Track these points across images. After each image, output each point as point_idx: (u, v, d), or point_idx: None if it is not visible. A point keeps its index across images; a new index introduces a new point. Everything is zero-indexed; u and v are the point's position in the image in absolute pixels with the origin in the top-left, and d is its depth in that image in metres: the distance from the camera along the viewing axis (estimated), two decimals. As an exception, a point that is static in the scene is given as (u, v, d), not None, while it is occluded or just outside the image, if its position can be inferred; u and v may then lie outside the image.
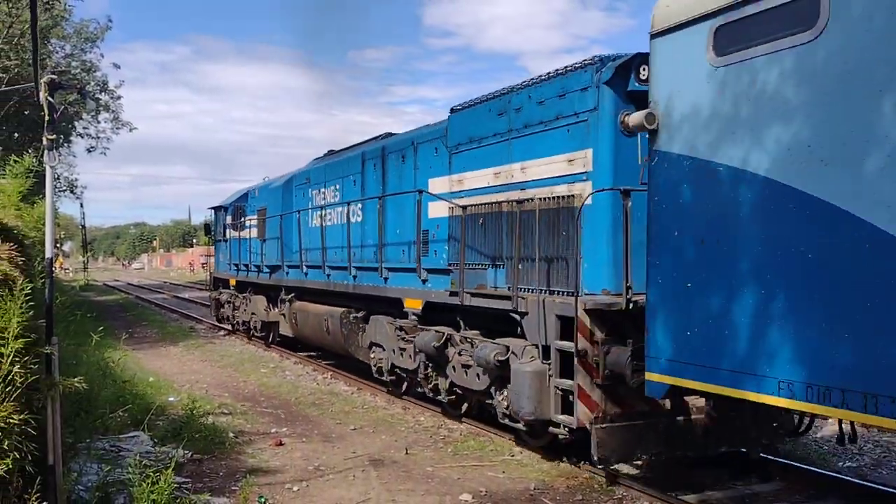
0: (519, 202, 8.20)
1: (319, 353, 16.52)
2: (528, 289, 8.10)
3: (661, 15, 6.06)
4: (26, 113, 27.63)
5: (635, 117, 6.20)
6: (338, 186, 13.92)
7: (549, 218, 7.97)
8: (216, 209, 22.84)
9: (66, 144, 34.32)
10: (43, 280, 5.72)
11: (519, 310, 8.04)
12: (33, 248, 6.55)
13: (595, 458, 7.01)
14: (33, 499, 4.61)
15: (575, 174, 7.72)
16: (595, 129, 7.41)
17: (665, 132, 5.99)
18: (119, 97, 34.43)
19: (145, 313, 29.82)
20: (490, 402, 8.86)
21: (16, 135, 29.46)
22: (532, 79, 8.55)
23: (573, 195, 7.66)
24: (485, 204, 9.14)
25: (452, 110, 10.09)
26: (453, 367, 9.52)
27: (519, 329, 8.13)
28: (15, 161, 6.98)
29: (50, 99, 5.68)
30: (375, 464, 8.31)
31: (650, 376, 6.16)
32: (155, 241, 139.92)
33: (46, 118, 5.76)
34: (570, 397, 7.27)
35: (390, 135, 13.01)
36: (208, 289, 24.79)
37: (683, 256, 5.83)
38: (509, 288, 8.29)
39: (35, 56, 7.04)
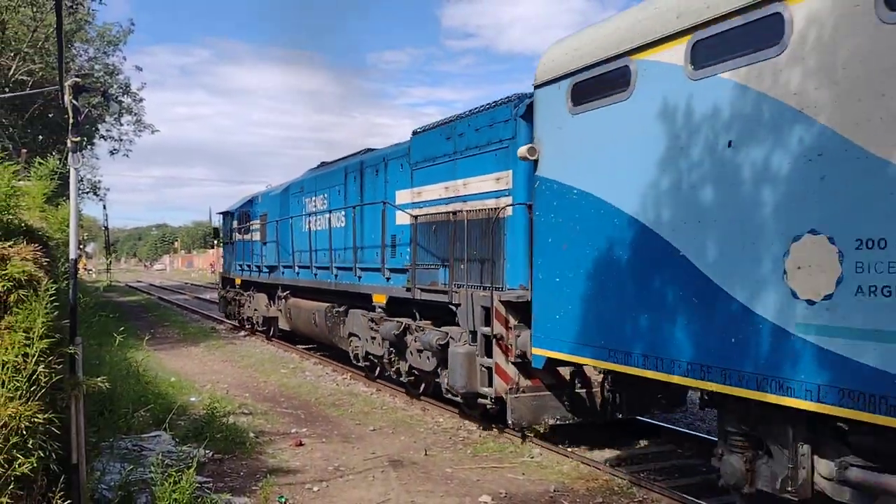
0: (454, 213, 10.00)
1: (315, 346, 17.94)
2: (465, 285, 9.71)
3: (540, 71, 7.82)
4: (50, 116, 28.00)
5: (522, 150, 7.95)
6: (326, 195, 15.57)
7: (481, 226, 9.52)
8: (224, 214, 24.52)
9: (89, 147, 34.74)
10: (67, 281, 5.78)
11: (454, 302, 9.76)
12: (57, 249, 6.62)
13: (510, 422, 8.70)
14: (57, 497, 4.66)
15: (500, 190, 9.29)
16: (513, 154, 8.73)
17: (542, 162, 7.78)
18: (141, 100, 34.85)
19: (167, 314, 30.08)
20: (438, 380, 10.45)
21: (40, 137, 29.85)
22: (472, 110, 10.23)
23: (498, 207, 9.21)
24: (436, 213, 10.72)
25: (414, 133, 11.66)
26: (410, 351, 11.19)
27: (456, 318, 9.71)
28: (40, 163, 7.05)
29: (74, 102, 5.74)
30: (395, 464, 8.32)
31: (535, 350, 8.02)
32: (176, 243, 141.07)
33: (71, 121, 5.82)
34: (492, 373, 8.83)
35: (369, 150, 14.55)
36: (217, 287, 26.84)
37: (553, 258, 7.62)
38: (435, 283, 10.27)
39: (60, 59, 7.13)
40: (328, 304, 14.68)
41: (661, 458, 8.60)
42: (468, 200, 9.97)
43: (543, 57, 7.92)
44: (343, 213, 14.29)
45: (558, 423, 8.91)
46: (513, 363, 8.73)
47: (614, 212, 6.73)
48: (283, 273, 17.94)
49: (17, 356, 4.53)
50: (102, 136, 35.58)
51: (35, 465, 4.42)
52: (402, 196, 11.85)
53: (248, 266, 21.03)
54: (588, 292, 7.07)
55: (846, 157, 4.77)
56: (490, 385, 8.89)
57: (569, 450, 8.80)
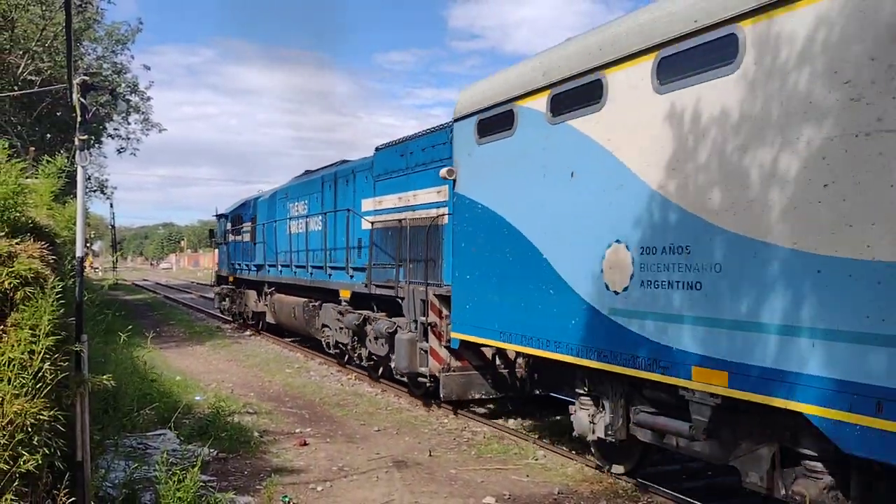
0: (400, 220, 11.97)
1: (297, 338, 19.37)
2: (412, 281, 11.35)
3: (457, 108, 9.52)
4: (58, 114, 28.08)
5: (443, 171, 9.59)
6: (306, 202, 17.35)
7: (425, 232, 11.13)
8: (219, 216, 26.19)
9: (96, 145, 34.84)
10: (73, 278, 5.79)
11: (399, 296, 11.58)
12: (64, 246, 6.63)
13: (441, 395, 10.32)
14: (62, 494, 4.67)
15: (440, 202, 11.05)
16: None
17: (458, 181, 9.40)
18: (149, 98, 34.91)
19: (173, 312, 30.14)
20: (391, 364, 11.94)
21: (48, 136, 29.95)
22: (419, 132, 12.17)
23: (437, 216, 10.98)
24: (391, 220, 12.50)
25: (377, 149, 13.51)
26: (369, 339, 12.98)
27: (403, 310, 11.47)
28: (48, 161, 7.07)
29: (82, 100, 5.74)
30: (399, 465, 8.31)
31: (452, 334, 9.69)
32: (182, 242, 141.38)
33: (78, 119, 5.83)
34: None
35: (344, 162, 16.29)
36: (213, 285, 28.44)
37: (465, 259, 9.25)
38: (390, 280, 12.11)
39: (69, 57, 7.15)
40: (305, 299, 16.49)
41: (666, 462, 8.57)
42: (417, 210, 11.84)
43: (460, 96, 9.59)
44: (319, 217, 16.10)
45: (483, 397, 10.61)
46: (445, 347, 10.34)
47: (504, 223, 8.39)
48: (269, 271, 19.57)
49: (23, 353, 4.54)
50: (110, 135, 35.66)
51: (40, 462, 4.42)
52: (367, 204, 13.76)
53: (240, 265, 22.76)
54: (487, 286, 8.74)
55: (634, 186, 6.43)
56: (427, 366, 10.57)
57: (573, 452, 8.78)
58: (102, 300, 6.99)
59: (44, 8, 24.14)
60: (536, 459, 8.64)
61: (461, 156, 9.38)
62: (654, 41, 6.21)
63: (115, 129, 35.72)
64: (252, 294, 21.63)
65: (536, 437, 9.54)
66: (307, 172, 18.73)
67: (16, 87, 23.92)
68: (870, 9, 4.60)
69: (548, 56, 7.85)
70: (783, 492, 5.50)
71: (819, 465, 5.27)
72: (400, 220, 11.99)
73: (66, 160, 7.15)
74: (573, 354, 7.19)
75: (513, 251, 8.19)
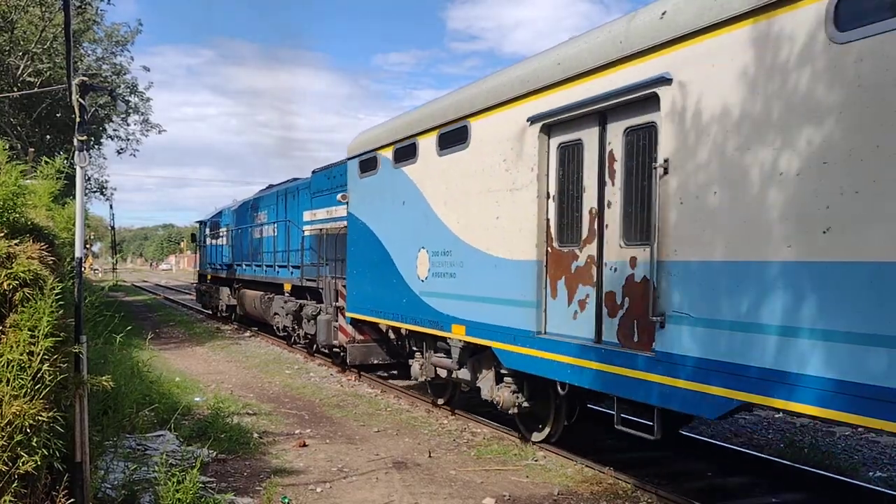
0: (323, 230, 16.03)
1: (258, 326, 22.87)
2: (330, 276, 15.07)
3: (349, 148, 13.14)
4: (58, 115, 28.08)
5: (339, 196, 13.85)
6: (266, 212, 21.46)
7: (337, 238, 14.96)
8: (200, 223, 31.00)
9: (96, 146, 34.83)
10: (72, 280, 5.79)
11: (320, 287, 15.43)
12: (63, 247, 6.62)
13: (348, 361, 13.88)
14: (61, 495, 4.67)
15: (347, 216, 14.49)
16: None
17: (349, 203, 12.99)
18: (149, 100, 34.91)
19: (172, 314, 30.12)
20: (318, 341, 15.40)
21: (48, 137, 29.95)
22: (336, 162, 15.71)
23: (346, 227, 13.73)
24: (319, 229, 16.41)
25: (313, 171, 17.35)
26: (304, 322, 16.55)
27: (323, 298, 15.33)
28: (46, 162, 7.06)
29: (81, 101, 5.74)
30: (398, 466, 8.31)
31: (347, 314, 13.27)
32: (182, 243, 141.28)
33: (77, 120, 5.82)
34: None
35: (295, 179, 20.14)
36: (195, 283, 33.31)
37: (354, 260, 12.78)
38: (318, 276, 15.92)
39: (68, 57, 7.13)
40: (262, 293, 20.57)
41: (666, 463, 8.57)
42: (336, 221, 15.19)
43: (351, 142, 13.18)
44: (272, 225, 20.39)
45: (380, 363, 14.02)
46: (350, 324, 13.63)
47: (373, 234, 11.99)
48: (237, 270, 23.44)
49: (22, 354, 4.54)
50: (110, 136, 35.66)
51: (39, 463, 4.42)
52: (306, 215, 17.47)
53: (215, 265, 26.84)
54: (365, 279, 12.33)
55: (430, 212, 10.12)
56: (338, 339, 14.27)
57: (573, 453, 8.77)
58: (102, 301, 6.97)
59: (43, 9, 24.14)
60: (536, 460, 8.63)
61: (351, 185, 13.05)
62: (437, 123, 10.01)
63: (115, 130, 35.73)
64: (225, 290, 25.41)
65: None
66: (270, 186, 22.67)
67: (15, 89, 23.91)
68: (503, 122, 8.62)
69: (393, 123, 11.65)
70: (496, 399, 9.01)
71: (511, 379, 8.83)
72: (323, 230, 15.97)
73: (65, 161, 7.14)
74: (406, 322, 10.89)
75: (377, 254, 11.80)
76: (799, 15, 5.09)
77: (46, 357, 4.62)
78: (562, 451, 8.84)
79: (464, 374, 9.67)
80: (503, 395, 8.81)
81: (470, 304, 9.07)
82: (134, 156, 36.74)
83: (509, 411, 8.91)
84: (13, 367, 4.51)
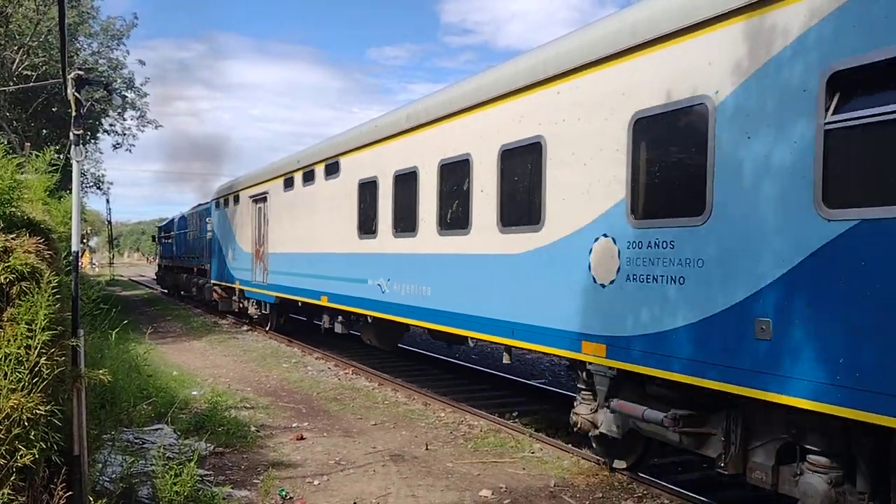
0: (209, 236, 26.68)
1: (184, 291, 34.04)
2: (210, 262, 26.56)
3: (215, 192, 25.94)
4: (54, 110, 28.01)
5: (208, 219, 26.95)
6: (191, 223, 31.91)
7: (211, 242, 26.33)
8: (158, 228, 44.73)
9: (92, 141, 34.75)
10: (69, 273, 5.79)
11: (205, 266, 27.35)
12: (60, 241, 6.62)
13: (219, 308, 24.38)
14: (59, 488, 4.68)
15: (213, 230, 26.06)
16: (210, 217, 27.14)
17: (212, 226, 25.61)
18: (145, 94, 34.82)
19: (169, 308, 30.13)
20: (205, 298, 26.84)
21: (44, 131, 29.88)
22: (209, 200, 27.14)
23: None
24: (210, 236, 26.38)
25: (213, 199, 25.85)
26: (201, 288, 28.10)
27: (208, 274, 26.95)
28: (36, 156, 7.04)
29: (77, 94, 5.74)
30: (396, 459, 8.34)
31: (213, 281, 25.28)
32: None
33: (73, 113, 5.82)
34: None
35: (207, 202, 28.72)
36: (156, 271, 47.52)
37: (214, 252, 25.06)
38: (208, 263, 27.53)
39: (63, 51, 7.12)
40: (187, 273, 31.98)
41: (662, 454, 8.60)
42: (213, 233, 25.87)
43: (216, 188, 25.46)
44: (193, 232, 31.12)
45: (235, 311, 22.95)
46: (218, 290, 24.20)
47: (218, 241, 23.96)
48: (176, 260, 36.06)
49: (19, 348, 4.55)
50: (106, 131, 35.57)
51: (37, 456, 4.44)
52: (209, 226, 26.42)
53: (167, 257, 39.79)
54: (218, 261, 23.84)
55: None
56: (213, 297, 24.67)
57: (569, 445, 8.82)
58: (99, 295, 6.98)
59: (38, 2, 24.06)
60: (533, 453, 8.67)
61: (213, 215, 24.70)
62: (267, 176, 18.93)
63: (112, 125, 35.64)
64: (171, 273, 37.80)
65: (533, 430, 9.57)
66: (199, 205, 31.47)
67: (11, 83, 23.84)
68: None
69: (245, 177, 21.04)
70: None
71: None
72: (209, 236, 26.18)
73: (55, 154, 7.11)
74: (232, 283, 21.91)
75: (219, 250, 23.15)
76: None
77: (44, 351, 4.63)
78: (558, 443, 8.88)
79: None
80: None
81: (242, 273, 21.01)
82: (129, 151, 36.38)
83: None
84: (10, 360, 4.51)
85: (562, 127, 7.60)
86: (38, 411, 4.44)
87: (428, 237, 10.37)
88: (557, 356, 8.41)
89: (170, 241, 38.01)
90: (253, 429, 9.46)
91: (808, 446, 5.33)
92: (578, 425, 7.70)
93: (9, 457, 4.35)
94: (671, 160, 6.47)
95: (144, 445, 7.99)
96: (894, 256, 4.51)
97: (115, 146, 36.83)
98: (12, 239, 5.00)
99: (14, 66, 24.44)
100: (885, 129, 4.62)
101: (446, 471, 7.93)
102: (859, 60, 4.76)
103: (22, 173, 6.10)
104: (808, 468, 5.32)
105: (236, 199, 21.71)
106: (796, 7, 5.17)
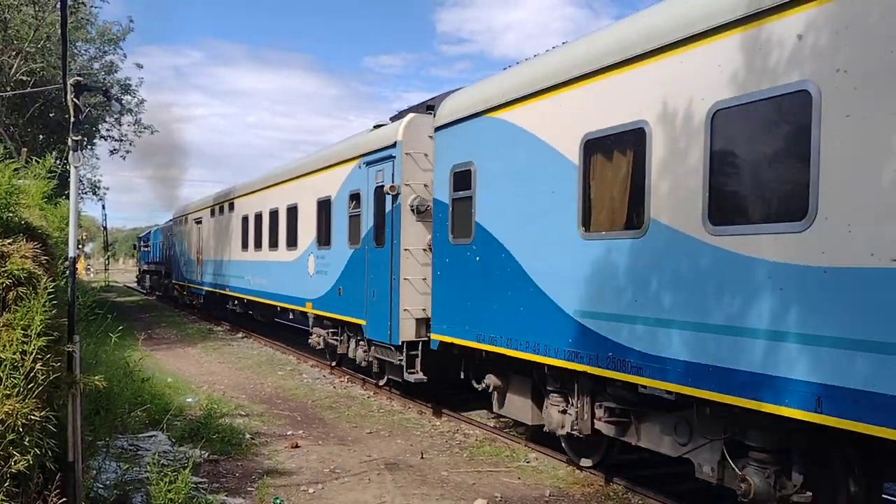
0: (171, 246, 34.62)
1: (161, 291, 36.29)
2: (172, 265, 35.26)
3: (174, 213, 34.53)
4: (51, 115, 27.97)
5: (171, 236, 34.90)
6: (161, 235, 38.43)
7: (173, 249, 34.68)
8: (138, 238, 53.32)
9: (89, 146, 34.67)
10: (66, 279, 5.78)
11: (170, 271, 35.48)
12: (57, 247, 6.61)
13: (181, 300, 31.86)
14: (53, 495, 4.66)
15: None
16: (156, 235, 43.10)
17: (173, 238, 33.49)
18: (142, 100, 34.76)
19: (164, 314, 30.05)
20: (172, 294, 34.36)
21: (41, 137, 29.83)
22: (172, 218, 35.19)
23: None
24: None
25: (173, 217, 33.66)
26: (169, 286, 35.00)
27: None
28: (36, 162, 7.05)
29: (76, 100, 5.74)
30: (391, 467, 8.32)
31: (174, 281, 33.05)
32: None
33: (71, 119, 5.82)
34: (185, 294, 30.48)
35: (169, 219, 35.71)
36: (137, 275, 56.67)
37: (174, 256, 32.57)
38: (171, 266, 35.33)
39: (64, 56, 7.14)
40: (157, 276, 38.92)
41: (657, 465, 8.59)
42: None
43: (174, 211, 33.55)
44: (162, 242, 37.01)
45: (190, 303, 29.44)
46: (177, 288, 31.70)
47: (178, 250, 31.14)
48: (152, 265, 42.07)
49: (14, 353, 4.54)
50: (103, 136, 35.49)
51: (31, 462, 4.42)
52: (172, 240, 33.62)
53: (145, 263, 47.36)
54: (178, 266, 30.91)
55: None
56: (174, 292, 32.82)
57: (565, 455, 8.80)
58: (94, 301, 6.97)
59: (37, 8, 24.06)
60: (528, 462, 8.66)
61: (173, 229, 32.17)
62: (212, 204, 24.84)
63: (108, 131, 35.56)
64: (148, 276, 45.02)
65: (528, 439, 9.55)
66: (170, 220, 35.17)
67: (9, 88, 23.83)
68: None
69: (192, 204, 29.03)
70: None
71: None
72: (171, 247, 32.79)
73: (55, 161, 7.12)
74: (184, 282, 29.47)
75: (177, 257, 30.59)
76: None
77: (39, 356, 4.62)
78: (554, 453, 8.86)
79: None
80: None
81: (190, 275, 28.04)
82: (124, 158, 36.20)
83: None
84: (6, 365, 4.50)
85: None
86: (32, 417, 4.43)
87: (266, 252, 18.15)
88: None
89: (147, 248, 47.22)
90: (248, 436, 9.43)
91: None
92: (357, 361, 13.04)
93: (3, 463, 4.33)
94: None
95: (139, 452, 7.97)
96: None
97: (112, 152, 36.75)
98: (9, 244, 5.00)
99: (11, 72, 24.43)
100: None
101: (441, 480, 7.92)
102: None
103: (20, 179, 6.09)
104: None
105: (186, 220, 29.05)
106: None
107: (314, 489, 7.44)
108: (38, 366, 4.59)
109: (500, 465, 8.55)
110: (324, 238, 14.25)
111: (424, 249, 10.76)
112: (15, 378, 4.51)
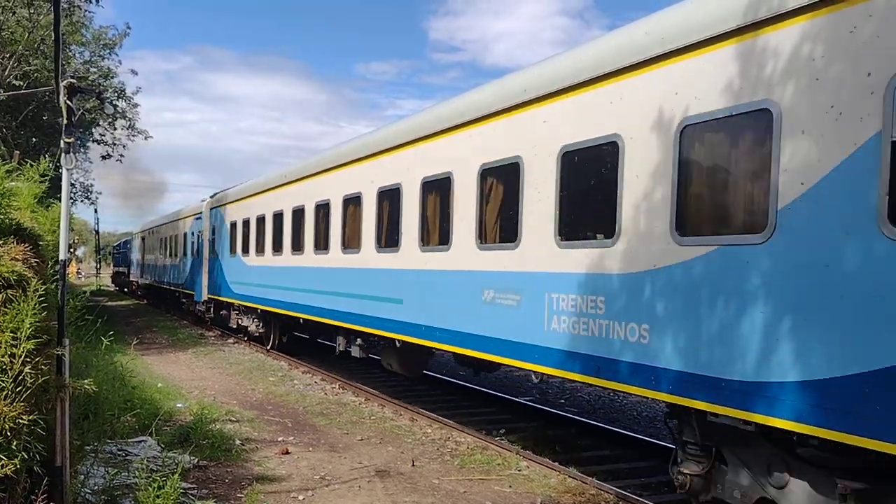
0: (143, 256, 45.97)
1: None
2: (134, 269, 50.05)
3: (138, 228, 49.25)
4: (44, 118, 27.88)
5: (135, 245, 51.46)
6: (135, 243, 48.70)
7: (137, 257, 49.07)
8: (114, 246, 70.04)
9: (82, 150, 34.53)
10: (56, 282, 5.75)
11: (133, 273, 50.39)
12: (47, 250, 6.58)
13: (140, 294, 45.98)
14: (40, 499, 4.63)
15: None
16: (134, 248, 54.71)
17: (135, 247, 50.65)
18: (136, 105, 34.66)
19: (156, 319, 29.94)
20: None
21: (34, 140, 29.74)
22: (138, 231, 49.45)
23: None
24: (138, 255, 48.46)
25: (139, 230, 47.93)
26: (135, 284, 49.01)
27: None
28: (31, 166, 7.02)
29: (69, 102, 5.72)
30: (381, 475, 8.28)
31: (132, 278, 52.45)
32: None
33: (65, 122, 5.80)
34: (135, 289, 48.17)
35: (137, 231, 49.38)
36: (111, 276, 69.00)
37: (134, 261, 49.80)
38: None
39: (57, 59, 7.11)
40: (125, 276, 54.59)
41: (649, 473, 8.60)
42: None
43: (136, 230, 48.82)
44: (134, 250, 48.92)
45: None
46: (135, 283, 49.50)
47: (138, 255, 46.14)
48: (121, 267, 59.51)
49: (3, 356, 4.50)
50: (95, 140, 35.37)
51: (18, 466, 4.38)
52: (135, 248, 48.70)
53: (119, 268, 61.13)
54: (137, 268, 46.79)
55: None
56: (136, 287, 48.86)
57: (556, 463, 8.79)
58: (84, 305, 6.92)
59: (31, 10, 24.00)
60: (520, 470, 8.63)
61: (135, 240, 47.33)
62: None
63: (101, 135, 35.43)
64: (118, 277, 56.99)
65: (520, 447, 9.54)
66: (143, 231, 42.72)
67: (2, 90, 23.75)
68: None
69: (149, 221, 42.74)
70: None
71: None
72: (134, 254, 48.12)
73: (49, 164, 7.10)
74: (139, 279, 45.61)
75: (135, 261, 46.84)
76: None
77: (28, 359, 4.59)
78: (545, 461, 8.85)
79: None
80: None
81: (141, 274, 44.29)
82: (120, 161, 36.08)
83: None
84: (-6, 368, 4.47)
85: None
86: (21, 420, 4.40)
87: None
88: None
89: (119, 255, 61.01)
90: (238, 442, 9.38)
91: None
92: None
93: (-10, 466, 4.29)
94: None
95: (127, 457, 7.91)
96: None
97: (105, 157, 36.60)
98: (0, 246, 4.97)
99: (4, 74, 24.36)
100: None
101: (432, 487, 7.88)
102: None
103: (12, 181, 6.07)
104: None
105: (133, 240, 42.58)
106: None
107: (304, 496, 7.40)
108: (27, 369, 4.56)
109: (491, 473, 8.53)
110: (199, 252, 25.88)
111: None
112: (3, 381, 4.48)
